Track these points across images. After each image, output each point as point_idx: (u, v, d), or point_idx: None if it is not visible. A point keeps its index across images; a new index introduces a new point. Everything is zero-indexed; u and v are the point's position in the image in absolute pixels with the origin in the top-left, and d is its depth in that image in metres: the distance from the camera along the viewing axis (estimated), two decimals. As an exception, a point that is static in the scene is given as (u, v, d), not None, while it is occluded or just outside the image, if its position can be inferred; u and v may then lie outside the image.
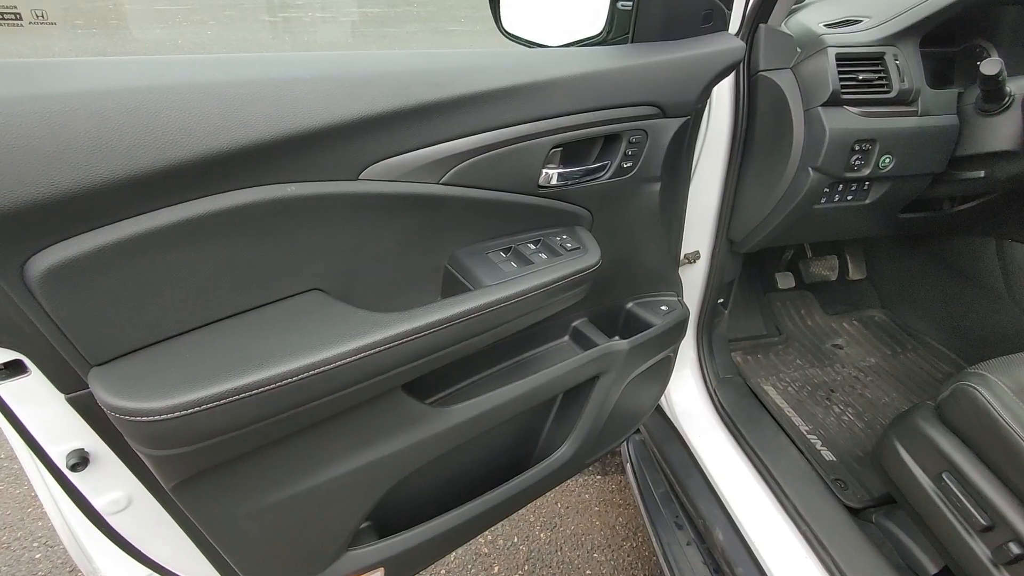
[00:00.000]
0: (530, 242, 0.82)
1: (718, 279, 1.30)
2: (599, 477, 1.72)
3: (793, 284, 1.72)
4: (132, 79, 0.50)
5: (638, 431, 1.48)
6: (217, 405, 0.53)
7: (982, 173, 1.11)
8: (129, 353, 0.55)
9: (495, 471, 0.99)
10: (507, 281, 0.74)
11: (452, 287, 0.77)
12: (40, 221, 0.46)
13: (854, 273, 1.78)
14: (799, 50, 1.04)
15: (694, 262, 1.28)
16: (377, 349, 0.62)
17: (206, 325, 0.59)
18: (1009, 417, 0.81)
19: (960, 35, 1.22)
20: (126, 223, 0.51)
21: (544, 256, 0.80)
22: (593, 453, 1.08)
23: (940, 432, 0.92)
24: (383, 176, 0.65)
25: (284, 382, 0.56)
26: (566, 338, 1.02)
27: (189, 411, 0.52)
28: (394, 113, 0.62)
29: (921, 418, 0.96)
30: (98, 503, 0.68)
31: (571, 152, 0.81)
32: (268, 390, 0.55)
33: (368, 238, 0.68)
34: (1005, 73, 1.00)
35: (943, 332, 1.65)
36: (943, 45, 1.20)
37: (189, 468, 0.57)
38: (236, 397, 0.54)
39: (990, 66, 0.98)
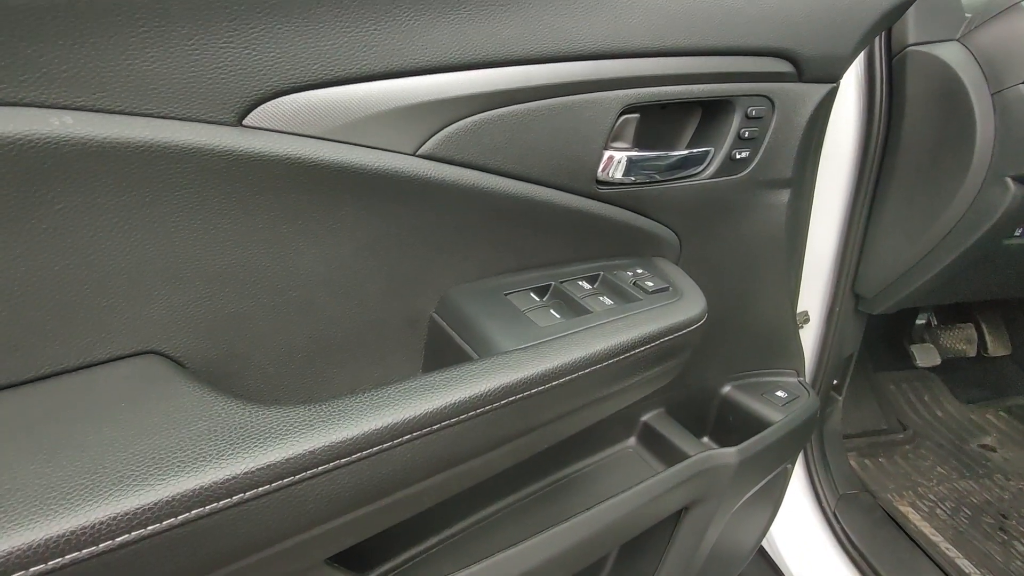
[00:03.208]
0: (583, 278, 0.48)
1: (836, 353, 0.93)
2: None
3: (939, 361, 1.30)
4: None
5: None
6: None
7: None
8: None
9: None
10: (544, 344, 0.39)
11: (441, 355, 0.43)
12: None
13: (995, 347, 1.36)
14: (968, 16, 0.72)
15: (802, 327, 0.91)
16: (261, 489, 0.27)
17: None
18: None
19: None
20: None
21: (609, 302, 0.45)
22: None
23: None
24: (295, 127, 0.33)
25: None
26: (632, 441, 0.66)
27: None
28: None
29: None
30: None
31: (652, 126, 0.48)
32: None
33: (269, 252, 0.34)
34: None
35: None
36: None
37: None
38: None
39: None
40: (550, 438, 0.42)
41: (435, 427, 0.33)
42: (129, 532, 0.25)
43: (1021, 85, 0.67)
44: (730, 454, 0.60)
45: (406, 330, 0.43)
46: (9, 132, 0.25)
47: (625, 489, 0.54)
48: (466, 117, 0.38)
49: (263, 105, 0.32)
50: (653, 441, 0.65)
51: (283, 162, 0.33)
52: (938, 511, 1.08)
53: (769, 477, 0.70)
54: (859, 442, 1.24)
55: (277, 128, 0.32)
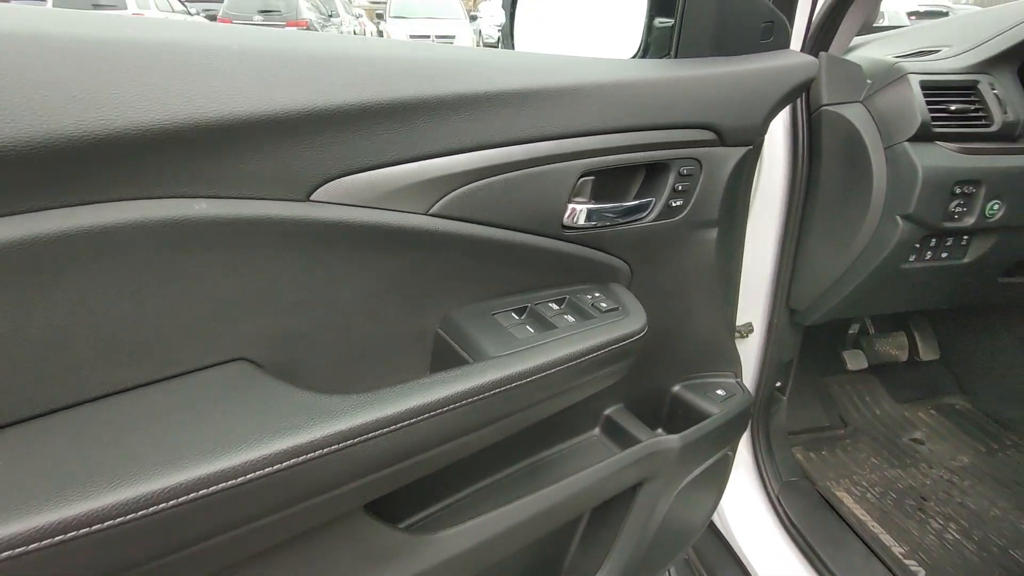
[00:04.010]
0: (552, 301, 0.61)
1: (776, 358, 1.08)
2: (633, 604, 1.40)
3: (866, 365, 1.47)
4: None
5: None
6: (25, 552, 0.31)
7: None
8: None
9: None
10: (522, 351, 0.52)
11: (445, 361, 0.56)
12: None
13: (925, 352, 1.53)
14: (869, 82, 0.88)
15: (746, 336, 1.06)
16: (324, 450, 0.40)
17: (51, 412, 0.38)
18: None
19: None
20: None
21: (571, 319, 0.59)
22: None
23: None
24: (345, 199, 0.46)
25: (155, 508, 0.34)
26: (596, 431, 0.79)
27: None
28: (364, 109, 0.44)
29: None
30: None
31: (606, 184, 0.63)
32: (122, 524, 0.33)
33: (322, 288, 0.48)
34: None
35: None
36: None
37: None
38: (62, 537, 0.32)
39: None
40: (528, 420, 0.55)
41: (443, 410, 0.47)
42: (245, 475, 0.37)
43: (906, 143, 0.83)
44: (674, 439, 0.74)
45: (418, 342, 0.56)
46: (171, 215, 0.38)
47: (590, 465, 0.68)
48: (464, 185, 0.52)
49: (324, 186, 0.45)
50: (614, 431, 0.79)
51: (336, 224, 0.46)
52: (868, 495, 1.23)
53: (710, 461, 0.84)
54: (804, 437, 1.38)
55: (333, 201, 0.46)
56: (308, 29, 9.95)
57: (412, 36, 10.15)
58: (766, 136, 0.89)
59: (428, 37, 10.18)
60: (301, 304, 0.47)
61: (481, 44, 13.21)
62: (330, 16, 11.66)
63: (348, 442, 0.42)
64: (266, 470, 0.38)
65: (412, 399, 0.45)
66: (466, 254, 0.54)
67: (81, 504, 0.32)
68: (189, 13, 10.76)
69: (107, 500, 0.33)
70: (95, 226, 0.36)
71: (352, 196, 0.46)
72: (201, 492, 0.36)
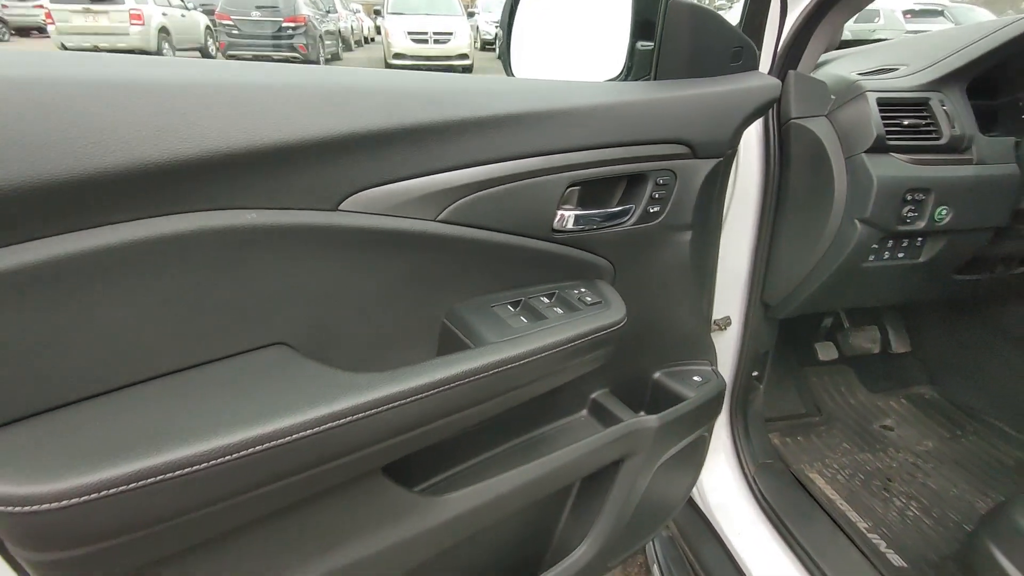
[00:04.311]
0: (543, 295, 0.70)
1: (752, 349, 1.17)
2: (621, 581, 1.49)
3: (836, 356, 1.56)
4: (51, 70, 0.41)
5: (666, 527, 1.28)
6: (126, 490, 0.40)
7: None
8: (20, 420, 0.42)
9: (500, 573, 0.81)
10: (516, 338, 0.61)
11: (450, 346, 0.64)
12: None
13: (897, 345, 1.62)
14: (833, 97, 0.96)
15: (724, 329, 1.15)
16: (351, 418, 0.49)
17: (128, 386, 0.47)
18: None
19: (1004, 87, 1.15)
20: (32, 245, 0.40)
21: (560, 311, 0.68)
22: (617, 553, 0.90)
23: None
24: (368, 208, 0.54)
25: (219, 460, 0.42)
26: (584, 412, 0.88)
27: (86, 498, 0.38)
28: (382, 133, 0.53)
29: (1020, 516, 0.78)
30: None
31: (591, 193, 0.71)
32: (197, 471, 0.42)
33: (348, 283, 0.56)
34: None
35: (1006, 410, 1.47)
36: (983, 97, 1.12)
37: None
38: (153, 480, 0.40)
39: None
40: (521, 397, 0.64)
41: (448, 387, 0.55)
42: (288, 436, 0.46)
43: (863, 154, 0.91)
44: (652, 420, 0.83)
45: (427, 329, 0.65)
46: (227, 223, 0.47)
47: (577, 441, 0.77)
48: (467, 196, 0.60)
49: (350, 197, 0.53)
50: (599, 412, 0.87)
51: (359, 230, 0.54)
52: (838, 477, 1.32)
53: (687, 441, 0.92)
54: (781, 424, 1.48)
55: (357, 210, 0.54)
56: (305, 24, 9.98)
57: (410, 32, 10.16)
58: (743, 146, 0.98)
59: (426, 34, 10.20)
60: (330, 297, 0.56)
61: (479, 40, 13.23)
62: (327, 12, 11.67)
63: (370, 412, 0.50)
64: (304, 432, 0.47)
65: (422, 377, 0.54)
66: (469, 255, 0.63)
67: (162, 456, 0.41)
68: (187, 8, 10.76)
69: (182, 453, 0.42)
70: (170, 233, 0.44)
71: (373, 205, 0.55)
72: (253, 449, 0.44)
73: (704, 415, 0.92)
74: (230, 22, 9.68)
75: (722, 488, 1.21)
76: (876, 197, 0.91)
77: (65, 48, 8.82)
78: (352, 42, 14.70)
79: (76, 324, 0.42)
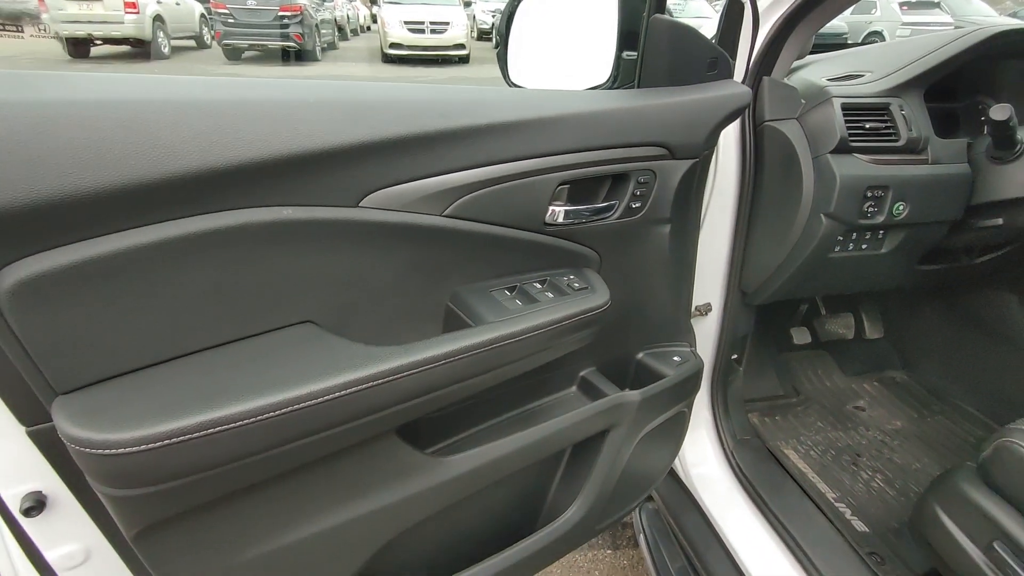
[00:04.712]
0: (536, 281, 0.79)
1: (731, 333, 1.26)
2: (609, 552, 1.60)
3: (809, 340, 1.66)
4: (127, 92, 0.49)
5: (651, 498, 1.38)
6: (188, 439, 0.48)
7: (1000, 220, 1.09)
8: (99, 382, 0.51)
9: (498, 532, 0.90)
10: (511, 318, 0.70)
11: (454, 325, 0.73)
12: (15, 229, 0.43)
13: (871, 332, 1.72)
14: (803, 101, 1.05)
15: (706, 315, 1.23)
16: (369, 384, 0.58)
17: (186, 355, 0.55)
18: None
19: (962, 91, 1.24)
20: (108, 239, 0.48)
21: (550, 295, 0.76)
22: (604, 517, 0.99)
23: (986, 496, 0.84)
24: (384, 204, 0.63)
25: (264, 416, 0.51)
26: (574, 388, 0.97)
27: (155, 445, 0.47)
28: (397, 140, 0.61)
29: (964, 481, 0.88)
30: (52, 556, 0.61)
31: (579, 191, 0.79)
32: (245, 424, 0.51)
33: (366, 269, 0.65)
34: (1015, 119, 1.00)
35: (971, 393, 1.57)
36: (946, 101, 1.21)
37: (155, 513, 0.52)
38: (209, 431, 0.49)
39: (1000, 112, 0.98)
40: (516, 371, 0.72)
41: (452, 359, 0.64)
42: (320, 398, 0.55)
43: (828, 154, 1.00)
44: (635, 394, 0.92)
45: (434, 311, 0.74)
46: (267, 218, 0.55)
47: (567, 412, 0.86)
48: (470, 193, 0.69)
49: (368, 196, 0.62)
50: (588, 389, 0.96)
51: (376, 224, 0.63)
52: (811, 452, 1.42)
53: (667, 415, 1.01)
54: (760, 404, 1.57)
55: (374, 207, 0.63)
56: (301, 13, 9.95)
57: (406, 22, 10.15)
58: (722, 146, 1.06)
59: (422, 23, 10.19)
60: (351, 282, 0.64)
61: (475, 29, 13.18)
62: (323, 0, 11.63)
63: (386, 379, 0.59)
64: (334, 395, 0.56)
65: (431, 350, 0.62)
66: (471, 245, 0.71)
67: (217, 412, 0.50)
68: (180, -5, 10.69)
69: (233, 409, 0.51)
70: (220, 226, 0.53)
71: (388, 202, 0.63)
72: (289, 408, 0.53)
73: (683, 392, 1.01)
74: (225, 11, 9.65)
75: (703, 463, 1.30)
76: (839, 193, 1.00)
77: (59, 36, 8.80)
78: (348, 31, 14.65)
79: (147, 302, 0.51)
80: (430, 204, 0.66)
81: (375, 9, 12.83)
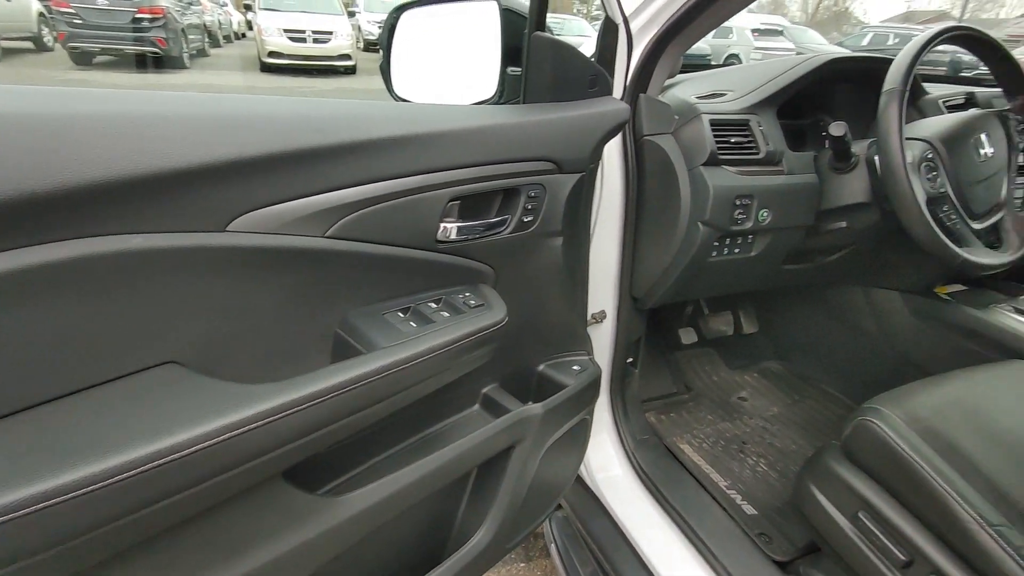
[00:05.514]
0: (431, 301, 0.76)
1: (625, 338, 1.30)
2: (523, 565, 1.59)
3: (696, 339, 1.78)
4: None
5: (560, 507, 1.39)
6: (15, 517, 0.40)
7: (844, 223, 1.23)
8: None
9: (406, 565, 0.86)
10: (406, 342, 0.66)
11: (344, 353, 0.68)
12: None
13: (748, 327, 1.88)
14: (676, 117, 1.12)
15: (601, 322, 1.27)
16: (245, 428, 0.51)
17: (23, 410, 0.46)
18: (907, 446, 0.84)
19: (807, 109, 1.39)
20: None
21: (446, 315, 0.74)
22: (515, 534, 0.98)
23: (849, 470, 0.93)
24: (257, 228, 0.57)
25: (112, 480, 0.44)
26: (476, 406, 0.95)
27: None
28: (269, 158, 0.56)
29: (830, 458, 0.97)
30: None
31: (471, 207, 0.78)
32: (96, 490, 0.43)
33: (240, 300, 0.58)
34: (850, 135, 1.13)
35: (833, 377, 1.76)
36: (795, 118, 1.35)
37: None
38: (36, 507, 0.41)
39: (837, 128, 1.11)
40: (413, 396, 0.69)
41: (342, 391, 0.59)
42: (185, 450, 0.48)
43: (701, 167, 1.08)
44: (537, 408, 0.92)
45: (321, 339, 0.68)
46: (114, 247, 0.48)
47: (470, 433, 0.84)
48: (354, 212, 0.64)
49: (238, 218, 0.56)
50: (490, 406, 0.94)
51: (247, 249, 0.57)
52: (704, 445, 1.51)
53: (570, 425, 1.03)
54: (656, 403, 1.65)
55: (244, 230, 0.57)
56: (164, 16, 9.13)
57: (286, 31, 9.67)
58: (607, 159, 1.10)
59: (304, 32, 9.77)
60: (220, 315, 0.57)
61: (361, 40, 12.87)
62: (190, 4, 10.77)
63: (265, 420, 0.53)
64: (198, 447, 0.49)
65: (317, 384, 0.57)
66: (358, 267, 0.67)
67: (53, 480, 0.42)
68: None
69: (75, 475, 0.43)
70: (54, 260, 0.45)
71: (261, 225, 0.57)
72: (137, 470, 0.46)
73: (583, 400, 1.03)
74: (70, 10, 8.60)
75: (607, 466, 1.34)
76: (712, 202, 1.07)
77: None
78: (220, 37, 13.68)
79: None
80: (310, 225, 0.61)
81: (250, 16, 12.10)
